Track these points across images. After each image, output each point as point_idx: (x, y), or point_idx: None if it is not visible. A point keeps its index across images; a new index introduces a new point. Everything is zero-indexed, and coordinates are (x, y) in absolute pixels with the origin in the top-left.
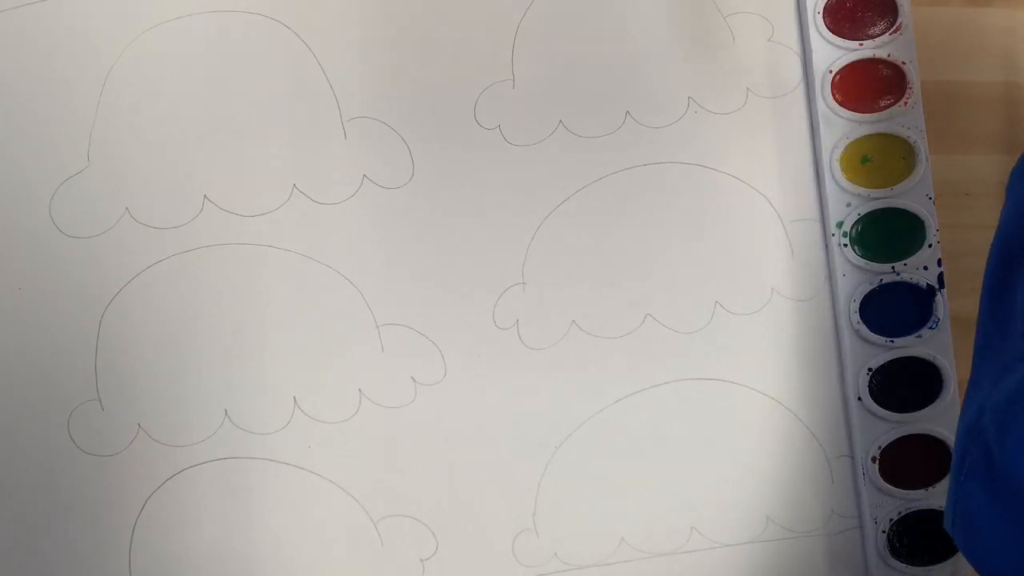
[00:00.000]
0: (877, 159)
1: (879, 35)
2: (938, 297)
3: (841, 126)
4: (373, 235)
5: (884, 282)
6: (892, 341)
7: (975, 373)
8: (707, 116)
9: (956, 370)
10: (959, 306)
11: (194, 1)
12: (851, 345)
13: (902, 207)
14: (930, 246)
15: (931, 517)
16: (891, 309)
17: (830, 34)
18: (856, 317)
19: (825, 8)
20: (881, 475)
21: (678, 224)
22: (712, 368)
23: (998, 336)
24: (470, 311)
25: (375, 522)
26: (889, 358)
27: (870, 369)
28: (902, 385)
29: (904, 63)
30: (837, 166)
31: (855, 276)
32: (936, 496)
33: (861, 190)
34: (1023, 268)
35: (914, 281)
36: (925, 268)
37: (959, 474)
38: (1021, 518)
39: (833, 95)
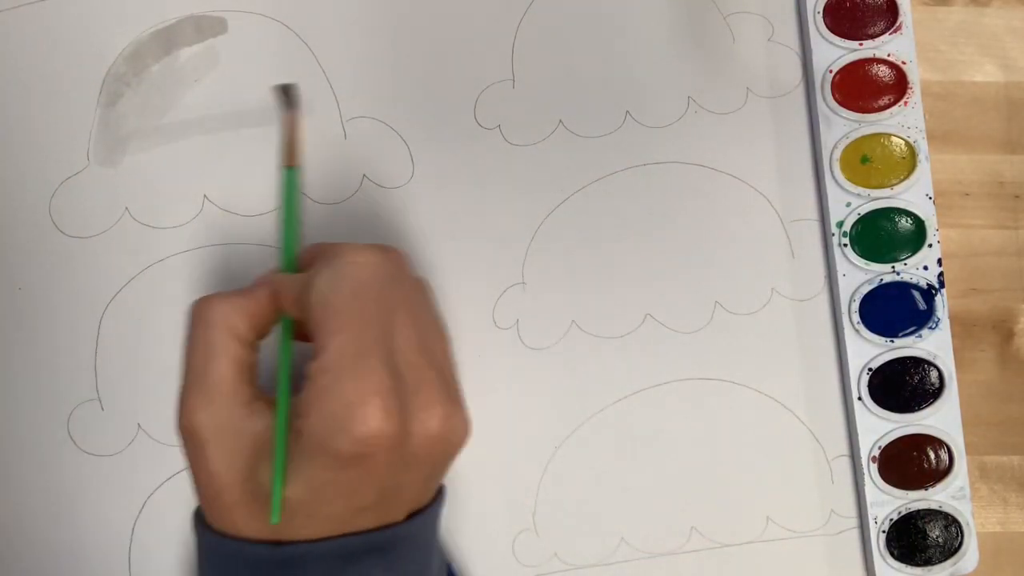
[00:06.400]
0: (877, 159)
1: (879, 35)
2: (938, 297)
3: (841, 126)
4: (373, 235)
5: (884, 282)
6: (892, 341)
7: None
8: (707, 116)
9: (956, 370)
10: (959, 306)
11: (194, 1)
12: (851, 345)
13: (902, 207)
14: (930, 246)
15: (931, 517)
16: (891, 309)
17: (830, 34)
18: (856, 317)
19: (825, 8)
20: (881, 475)
21: (678, 224)
22: (712, 368)
23: None
24: (470, 311)
25: None
26: (889, 358)
27: (870, 369)
28: (902, 385)
29: (904, 63)
30: (837, 166)
31: (855, 276)
32: (936, 496)
33: (861, 190)
34: None
35: (914, 281)
36: (925, 268)
37: None
38: None
39: (833, 95)
